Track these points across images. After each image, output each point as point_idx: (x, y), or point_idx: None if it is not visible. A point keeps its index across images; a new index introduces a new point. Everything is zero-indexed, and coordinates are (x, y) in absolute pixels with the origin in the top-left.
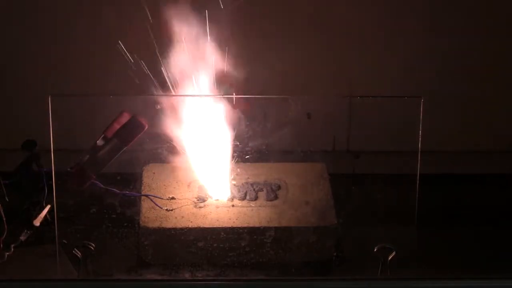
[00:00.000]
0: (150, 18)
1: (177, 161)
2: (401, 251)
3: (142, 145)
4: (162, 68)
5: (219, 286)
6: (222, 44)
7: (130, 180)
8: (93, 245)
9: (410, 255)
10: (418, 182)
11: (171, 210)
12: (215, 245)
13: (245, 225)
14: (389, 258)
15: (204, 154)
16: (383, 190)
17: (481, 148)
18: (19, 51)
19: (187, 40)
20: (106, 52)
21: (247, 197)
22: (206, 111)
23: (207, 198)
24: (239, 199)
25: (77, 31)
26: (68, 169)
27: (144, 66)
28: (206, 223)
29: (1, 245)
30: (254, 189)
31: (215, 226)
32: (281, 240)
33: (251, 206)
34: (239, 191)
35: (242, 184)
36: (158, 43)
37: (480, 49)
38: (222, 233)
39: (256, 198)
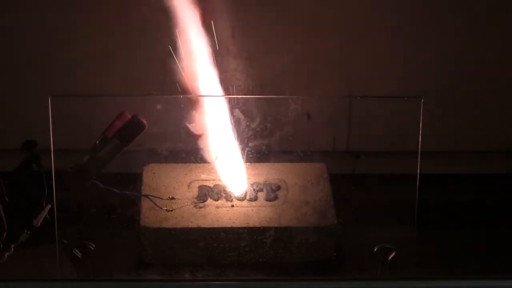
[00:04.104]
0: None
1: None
2: (401, 251)
3: (142, 145)
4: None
5: (219, 286)
6: (222, 44)
7: (130, 180)
8: (93, 245)
9: (410, 255)
10: (418, 182)
11: (171, 210)
12: (215, 245)
13: (245, 225)
14: (389, 258)
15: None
16: (383, 190)
17: (481, 148)
18: (19, 51)
19: (187, 40)
20: (106, 52)
21: (247, 197)
22: (207, 111)
23: (207, 198)
24: (239, 199)
25: (77, 31)
26: (68, 169)
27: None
28: (206, 223)
29: (1, 245)
30: (254, 189)
31: (215, 226)
32: (281, 240)
33: (251, 206)
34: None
35: None
36: (158, 43)
37: (480, 49)
38: (222, 233)
39: (256, 198)
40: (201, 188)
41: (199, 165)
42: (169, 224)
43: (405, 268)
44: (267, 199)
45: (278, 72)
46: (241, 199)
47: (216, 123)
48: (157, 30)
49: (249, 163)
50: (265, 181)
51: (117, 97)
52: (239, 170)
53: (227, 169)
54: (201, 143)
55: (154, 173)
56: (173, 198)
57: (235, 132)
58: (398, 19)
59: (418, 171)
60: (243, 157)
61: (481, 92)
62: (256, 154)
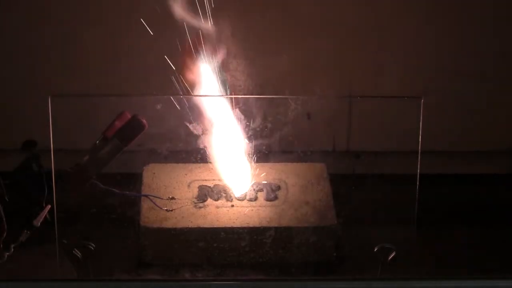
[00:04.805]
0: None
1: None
2: (401, 251)
3: (142, 145)
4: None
5: (219, 286)
6: (222, 44)
7: (130, 180)
8: (93, 245)
9: (410, 255)
10: (418, 182)
11: (171, 210)
12: (215, 245)
13: (245, 225)
14: (389, 258)
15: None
16: (383, 190)
17: (481, 148)
18: (20, 51)
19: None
20: (107, 52)
21: (247, 197)
22: (208, 110)
23: (207, 198)
24: (239, 199)
25: (77, 31)
26: (68, 169)
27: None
28: (206, 223)
29: (1, 245)
30: (254, 189)
31: (215, 226)
32: (281, 240)
33: (251, 206)
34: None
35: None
36: (158, 43)
37: (481, 49)
38: (222, 233)
39: (256, 198)
40: (201, 188)
41: (199, 165)
42: (169, 224)
43: (405, 268)
44: (267, 199)
45: (278, 72)
46: (241, 199)
47: (216, 123)
48: (157, 29)
49: (249, 163)
50: (265, 181)
51: (117, 97)
52: (240, 170)
53: (228, 169)
54: (202, 143)
55: (154, 173)
56: (173, 198)
57: (236, 132)
58: (398, 19)
59: (418, 171)
60: (244, 157)
61: (481, 92)
62: (256, 154)
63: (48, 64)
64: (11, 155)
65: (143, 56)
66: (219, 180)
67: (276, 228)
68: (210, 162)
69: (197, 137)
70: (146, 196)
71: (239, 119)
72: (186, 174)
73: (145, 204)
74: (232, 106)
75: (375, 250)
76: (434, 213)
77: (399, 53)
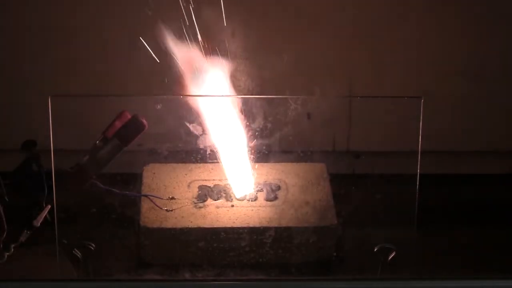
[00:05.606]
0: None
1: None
2: (401, 251)
3: (142, 145)
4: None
5: (219, 286)
6: (223, 44)
7: (130, 180)
8: (93, 245)
9: (410, 255)
10: (418, 182)
11: (171, 210)
12: (215, 245)
13: (245, 225)
14: (389, 258)
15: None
16: (383, 190)
17: (481, 148)
18: (19, 51)
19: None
20: (107, 52)
21: (247, 197)
22: (208, 111)
23: (207, 198)
24: (239, 199)
25: (77, 31)
26: (68, 169)
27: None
28: (206, 223)
29: (1, 245)
30: (254, 189)
31: (215, 226)
32: (281, 240)
33: (251, 206)
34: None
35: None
36: (158, 43)
37: (481, 49)
38: (222, 233)
39: (256, 198)
40: (201, 188)
41: (199, 165)
42: (169, 224)
43: (405, 268)
44: (267, 199)
45: (278, 72)
46: (241, 199)
47: (216, 123)
48: (158, 29)
49: (249, 163)
50: (265, 181)
51: (117, 97)
52: (241, 170)
53: (228, 169)
54: (201, 143)
55: (154, 173)
56: (173, 198)
57: (236, 133)
58: (399, 19)
59: (418, 171)
60: (245, 158)
61: (481, 92)
62: (256, 154)
63: (48, 64)
64: (11, 155)
65: (143, 56)
66: (219, 180)
67: (276, 228)
68: (208, 163)
69: (197, 137)
70: (146, 196)
71: (239, 119)
72: (186, 174)
73: (145, 204)
74: (232, 106)
75: (375, 250)
76: (434, 213)
77: (399, 53)
